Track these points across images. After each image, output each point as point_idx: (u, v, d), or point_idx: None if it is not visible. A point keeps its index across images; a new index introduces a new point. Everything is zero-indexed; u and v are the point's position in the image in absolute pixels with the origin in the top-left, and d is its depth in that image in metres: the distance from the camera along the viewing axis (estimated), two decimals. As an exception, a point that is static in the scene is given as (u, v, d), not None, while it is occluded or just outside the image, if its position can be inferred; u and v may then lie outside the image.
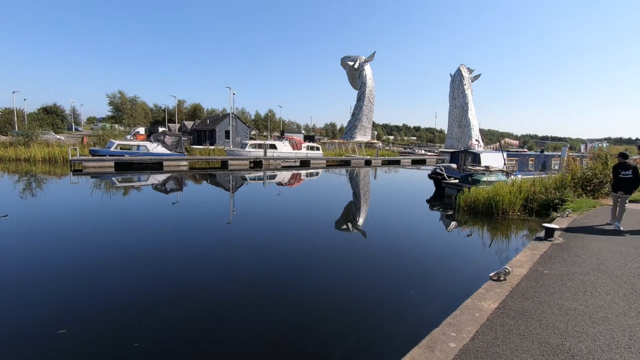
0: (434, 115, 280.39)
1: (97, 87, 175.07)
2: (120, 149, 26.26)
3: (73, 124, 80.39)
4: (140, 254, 7.63)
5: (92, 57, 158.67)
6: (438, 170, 17.26)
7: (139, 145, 27.10)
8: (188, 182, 20.65)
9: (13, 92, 49.23)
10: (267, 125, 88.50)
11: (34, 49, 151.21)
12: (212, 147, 36.54)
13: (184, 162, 26.95)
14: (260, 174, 26.08)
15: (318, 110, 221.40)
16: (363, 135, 69.74)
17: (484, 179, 14.32)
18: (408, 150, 56.55)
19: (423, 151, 53.18)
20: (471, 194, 12.61)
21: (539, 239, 7.24)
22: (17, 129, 44.25)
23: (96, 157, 24.40)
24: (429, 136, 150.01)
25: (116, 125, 78.19)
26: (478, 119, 63.66)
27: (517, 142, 34.78)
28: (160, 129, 51.77)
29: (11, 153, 26.48)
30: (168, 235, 9.16)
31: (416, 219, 12.55)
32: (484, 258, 7.81)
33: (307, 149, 36.11)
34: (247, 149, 31.74)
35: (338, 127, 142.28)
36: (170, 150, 28.16)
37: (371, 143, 50.30)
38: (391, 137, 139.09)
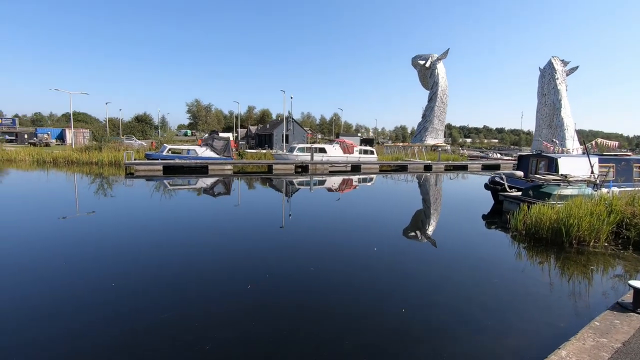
0: (519, 115, 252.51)
1: (185, 97, 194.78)
2: (172, 153, 27.17)
3: (160, 131, 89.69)
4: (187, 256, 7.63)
5: (183, 68, 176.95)
6: (497, 179, 13.67)
7: (188, 150, 27.77)
8: (230, 186, 20.13)
9: (106, 103, 56.15)
10: (331, 129, 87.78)
11: (132, 61, 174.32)
12: (264, 151, 36.35)
13: (229, 166, 26.82)
14: (306, 178, 24.61)
15: (388, 112, 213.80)
16: (434, 138, 64.45)
17: (557, 191, 10.57)
18: (481, 154, 50.14)
19: (498, 155, 46.38)
20: (532, 213, 9.18)
21: (622, 307, 4.15)
22: (108, 135, 50.15)
23: (146, 161, 25.49)
24: (514, 138, 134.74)
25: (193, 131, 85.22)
26: (574, 118, 54.18)
27: (615, 142, 27.46)
28: (227, 135, 54.00)
29: (85, 157, 29.37)
30: (214, 238, 9.19)
31: (457, 241, 9.45)
32: (521, 332, 4.85)
33: (360, 153, 33.69)
34: (294, 153, 30.63)
35: (409, 130, 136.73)
36: (218, 154, 28.34)
37: (437, 146, 45.66)
38: (468, 140, 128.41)
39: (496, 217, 12.56)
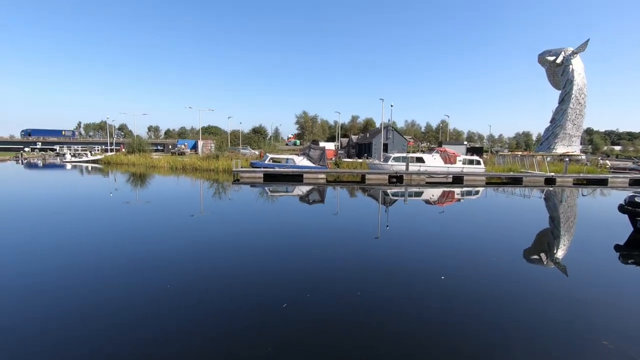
0: None
1: (295, 109, 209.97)
2: (273, 161, 29.47)
3: (272, 141, 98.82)
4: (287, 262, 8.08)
5: (297, 81, 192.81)
6: (638, 199, 10.59)
7: (287, 159, 29.69)
8: (323, 194, 20.80)
9: (228, 118, 64.58)
10: (438, 137, 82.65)
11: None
12: (360, 161, 36.34)
13: (322, 175, 27.61)
14: (400, 189, 23.66)
15: (506, 118, 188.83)
16: (567, 146, 54.75)
17: None
18: (634, 165, 40.02)
19: (659, 167, 36.15)
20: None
21: None
22: (228, 146, 57.57)
23: (250, 169, 28.23)
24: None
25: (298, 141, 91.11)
26: None
27: None
28: (325, 144, 56.16)
29: (205, 164, 34.35)
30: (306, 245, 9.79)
31: (568, 279, 7.50)
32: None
33: (464, 163, 30.67)
34: (389, 163, 29.69)
35: (534, 136, 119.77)
36: (314, 163, 29.51)
37: (565, 155, 38.51)
38: (617, 148, 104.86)
39: (636, 250, 9.71)
